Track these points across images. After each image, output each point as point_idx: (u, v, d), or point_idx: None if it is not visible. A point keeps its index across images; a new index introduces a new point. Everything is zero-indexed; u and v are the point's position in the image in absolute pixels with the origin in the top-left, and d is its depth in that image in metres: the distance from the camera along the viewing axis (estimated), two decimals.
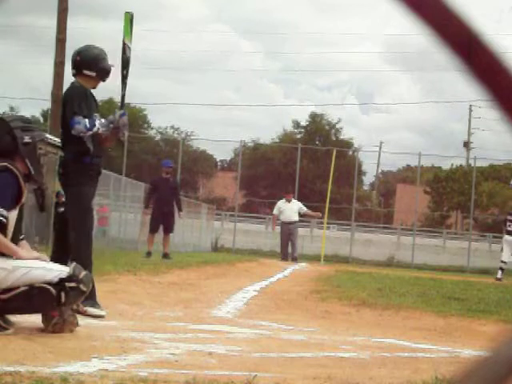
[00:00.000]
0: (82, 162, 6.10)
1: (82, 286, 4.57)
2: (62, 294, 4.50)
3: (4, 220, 4.59)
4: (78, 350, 4.02)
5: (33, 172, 4.83)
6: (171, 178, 17.41)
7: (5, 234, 4.62)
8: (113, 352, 4.07)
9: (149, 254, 16.14)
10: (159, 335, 4.97)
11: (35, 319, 5.04)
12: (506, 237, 19.16)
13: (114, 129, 6.17)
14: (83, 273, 4.64)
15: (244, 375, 3.48)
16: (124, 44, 6.34)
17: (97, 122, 6.07)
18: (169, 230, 16.92)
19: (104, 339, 4.56)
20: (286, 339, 5.38)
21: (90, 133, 6.03)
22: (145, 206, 17.36)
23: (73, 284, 4.53)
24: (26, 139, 4.85)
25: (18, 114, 6.45)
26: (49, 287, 4.48)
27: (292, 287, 10.43)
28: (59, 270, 4.61)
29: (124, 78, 6.34)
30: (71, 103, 6.15)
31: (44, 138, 5.10)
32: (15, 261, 4.54)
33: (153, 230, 16.84)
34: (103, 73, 6.27)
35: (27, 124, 4.98)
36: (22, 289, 4.46)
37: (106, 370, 3.50)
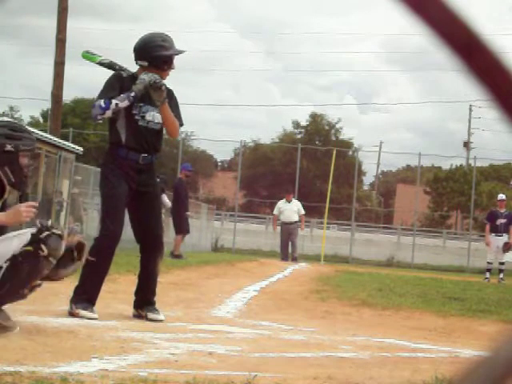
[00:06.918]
0: (117, 155, 5.72)
1: (55, 231, 4.51)
2: (42, 246, 4.44)
3: None
4: (78, 350, 4.02)
5: (13, 180, 4.75)
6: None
7: None
8: (113, 352, 4.06)
9: (182, 256, 16.21)
10: (159, 335, 4.96)
11: (35, 319, 5.05)
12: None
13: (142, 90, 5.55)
14: (49, 221, 4.61)
15: (244, 375, 3.48)
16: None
17: (113, 100, 5.50)
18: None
19: (104, 339, 4.56)
20: (286, 339, 5.38)
21: (109, 112, 5.53)
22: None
23: (46, 233, 4.48)
24: (8, 147, 4.72)
25: (8, 120, 5.94)
26: (27, 248, 4.43)
27: (292, 287, 10.43)
28: (25, 231, 4.56)
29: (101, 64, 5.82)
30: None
31: (33, 147, 4.93)
32: None
33: (187, 231, 17.39)
34: (157, 61, 5.65)
35: (13, 132, 4.80)
36: (5, 265, 4.40)
37: (106, 370, 3.49)
